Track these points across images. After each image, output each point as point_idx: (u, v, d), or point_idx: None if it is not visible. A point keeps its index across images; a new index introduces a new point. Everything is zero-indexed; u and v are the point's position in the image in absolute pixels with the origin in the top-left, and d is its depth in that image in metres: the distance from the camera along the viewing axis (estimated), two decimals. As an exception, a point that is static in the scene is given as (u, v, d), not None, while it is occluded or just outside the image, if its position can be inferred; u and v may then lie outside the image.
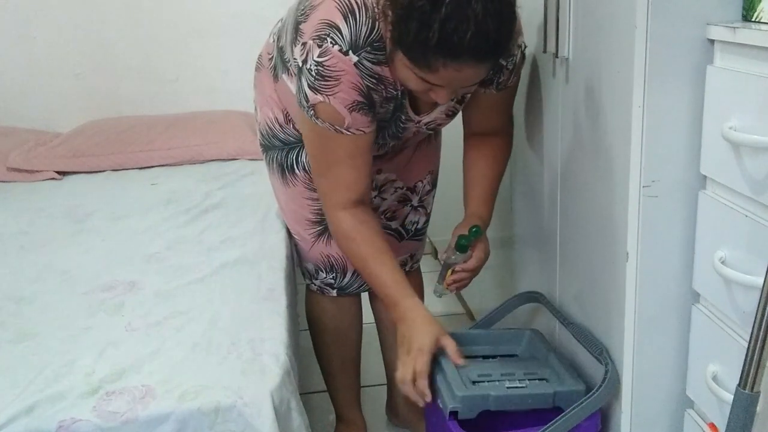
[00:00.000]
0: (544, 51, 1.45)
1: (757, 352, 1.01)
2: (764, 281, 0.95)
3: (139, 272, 1.64)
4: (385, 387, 1.98)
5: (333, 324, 1.79)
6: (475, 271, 1.50)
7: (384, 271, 1.42)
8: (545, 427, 1.30)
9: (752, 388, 1.01)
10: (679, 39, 1.13)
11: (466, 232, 1.46)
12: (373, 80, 1.32)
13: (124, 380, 1.22)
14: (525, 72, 1.62)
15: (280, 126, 1.58)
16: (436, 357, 1.48)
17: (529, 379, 1.41)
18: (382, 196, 1.70)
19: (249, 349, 1.30)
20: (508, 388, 1.37)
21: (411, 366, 1.34)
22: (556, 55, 1.42)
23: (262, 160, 2.08)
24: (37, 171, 2.44)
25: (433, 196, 1.81)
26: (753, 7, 1.08)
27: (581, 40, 1.34)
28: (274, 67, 1.54)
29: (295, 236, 1.73)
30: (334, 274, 1.71)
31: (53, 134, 2.66)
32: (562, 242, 1.52)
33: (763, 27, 1.03)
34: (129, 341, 1.34)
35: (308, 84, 1.30)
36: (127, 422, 1.13)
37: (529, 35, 1.56)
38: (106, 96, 2.80)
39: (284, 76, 1.49)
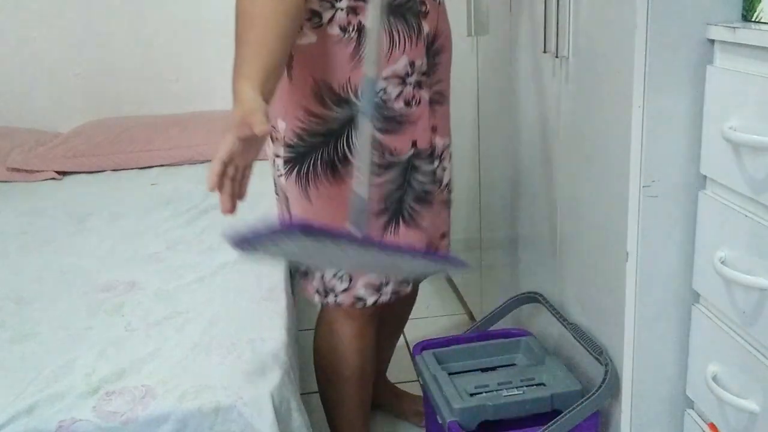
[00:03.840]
0: (544, 51, 1.45)
1: None
2: None
3: (139, 272, 1.64)
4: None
5: (359, 361, 1.57)
6: None
7: (261, 39, 1.15)
8: (544, 428, 1.30)
9: None
10: (679, 39, 1.13)
11: None
12: None
13: (124, 380, 1.22)
14: (525, 72, 1.62)
15: (317, 116, 1.37)
16: (432, 371, 1.48)
17: (526, 386, 1.42)
18: (443, 165, 1.52)
19: (249, 349, 1.30)
20: (505, 396, 1.38)
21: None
22: (556, 55, 1.42)
23: (261, 160, 2.03)
24: (37, 171, 2.44)
25: None
26: (753, 7, 1.08)
27: (581, 40, 1.34)
28: None
29: None
30: None
31: (53, 134, 2.66)
32: (562, 242, 1.52)
33: (763, 27, 1.03)
34: (129, 341, 1.34)
35: None
36: (127, 422, 1.13)
37: (529, 35, 1.56)
38: (106, 96, 2.80)
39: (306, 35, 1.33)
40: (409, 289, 1.53)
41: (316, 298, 1.51)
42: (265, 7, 1.17)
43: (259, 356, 1.28)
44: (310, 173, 1.40)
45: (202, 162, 2.51)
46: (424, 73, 1.41)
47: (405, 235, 1.46)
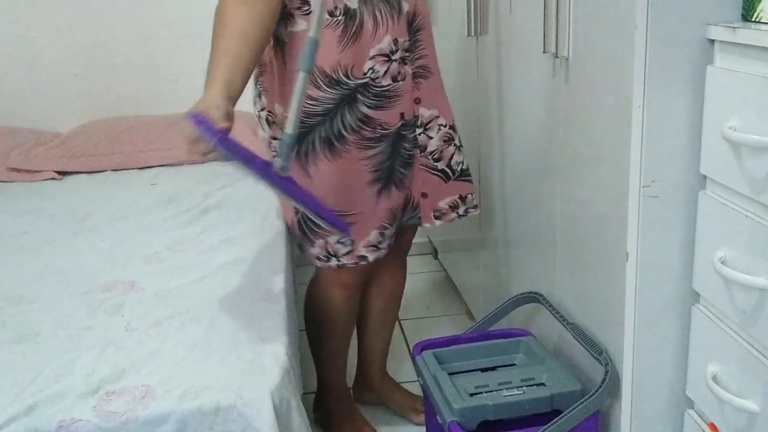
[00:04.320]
0: (544, 51, 1.45)
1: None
2: None
3: (139, 272, 1.64)
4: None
5: (347, 318, 1.78)
6: None
7: (229, 46, 1.32)
8: (544, 428, 1.30)
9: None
10: (679, 39, 1.13)
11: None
12: None
13: (124, 380, 1.22)
14: (525, 71, 1.62)
15: (314, 99, 1.50)
16: (432, 371, 1.48)
17: (526, 386, 1.42)
18: (428, 134, 1.65)
19: (249, 349, 1.30)
20: (505, 396, 1.38)
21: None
22: (556, 55, 1.42)
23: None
24: (37, 171, 2.44)
25: None
26: (753, 7, 1.08)
27: (581, 40, 1.34)
28: (277, 43, 1.52)
29: (351, 218, 1.59)
30: (396, 221, 1.68)
31: (53, 134, 2.66)
32: (561, 242, 1.52)
33: (763, 27, 1.03)
34: (129, 341, 1.34)
35: None
36: (127, 422, 1.13)
37: (529, 35, 1.56)
38: (106, 96, 2.80)
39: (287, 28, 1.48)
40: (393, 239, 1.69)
41: (318, 263, 1.66)
42: (237, 16, 1.36)
43: (259, 356, 1.28)
44: (309, 152, 1.54)
45: (202, 162, 2.51)
46: (406, 50, 1.54)
47: (396, 197, 1.64)
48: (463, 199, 1.74)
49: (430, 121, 1.64)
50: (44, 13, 2.71)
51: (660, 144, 1.18)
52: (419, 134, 1.63)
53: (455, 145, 1.70)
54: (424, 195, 1.70)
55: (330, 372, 1.88)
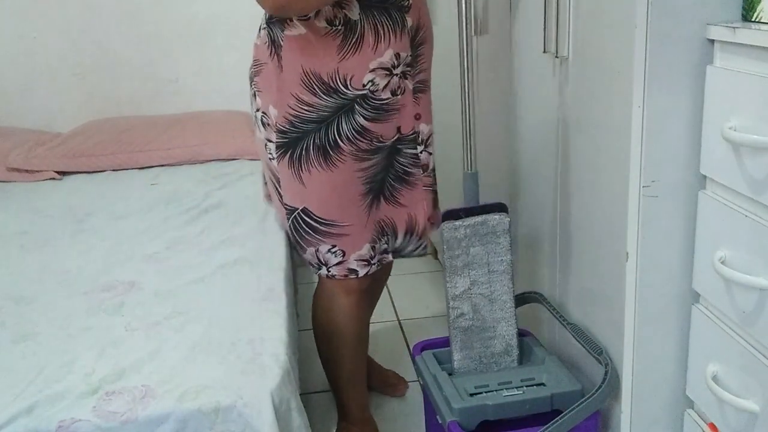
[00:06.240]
0: (544, 51, 1.45)
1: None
2: None
3: (139, 272, 1.64)
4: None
5: (356, 328, 1.69)
6: None
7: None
8: (544, 428, 1.30)
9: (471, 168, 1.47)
10: (679, 39, 1.13)
11: None
12: None
13: (124, 380, 1.22)
14: (525, 72, 1.62)
15: (309, 105, 1.47)
16: (432, 371, 1.49)
17: (526, 386, 1.42)
18: (428, 151, 1.62)
19: (249, 349, 1.30)
20: (505, 396, 1.38)
21: None
22: (556, 55, 1.42)
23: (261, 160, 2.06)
24: (37, 171, 2.44)
25: None
26: (753, 7, 1.08)
27: (581, 40, 1.34)
28: (273, 45, 1.50)
29: (344, 229, 1.55)
30: (386, 237, 1.63)
31: (53, 134, 2.66)
32: (562, 242, 1.52)
33: (763, 27, 1.03)
34: (129, 341, 1.34)
35: None
36: (127, 422, 1.13)
37: (529, 35, 1.56)
38: (106, 96, 2.80)
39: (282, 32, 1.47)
40: (390, 257, 1.67)
41: (311, 269, 1.64)
42: None
43: (259, 356, 1.28)
44: (302, 158, 1.51)
45: (202, 162, 2.51)
46: (408, 65, 1.51)
47: (385, 210, 1.60)
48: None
49: (429, 137, 1.61)
50: (44, 13, 2.71)
51: (660, 144, 1.18)
52: (420, 152, 1.59)
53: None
54: (432, 221, 1.66)
55: (347, 399, 1.78)
